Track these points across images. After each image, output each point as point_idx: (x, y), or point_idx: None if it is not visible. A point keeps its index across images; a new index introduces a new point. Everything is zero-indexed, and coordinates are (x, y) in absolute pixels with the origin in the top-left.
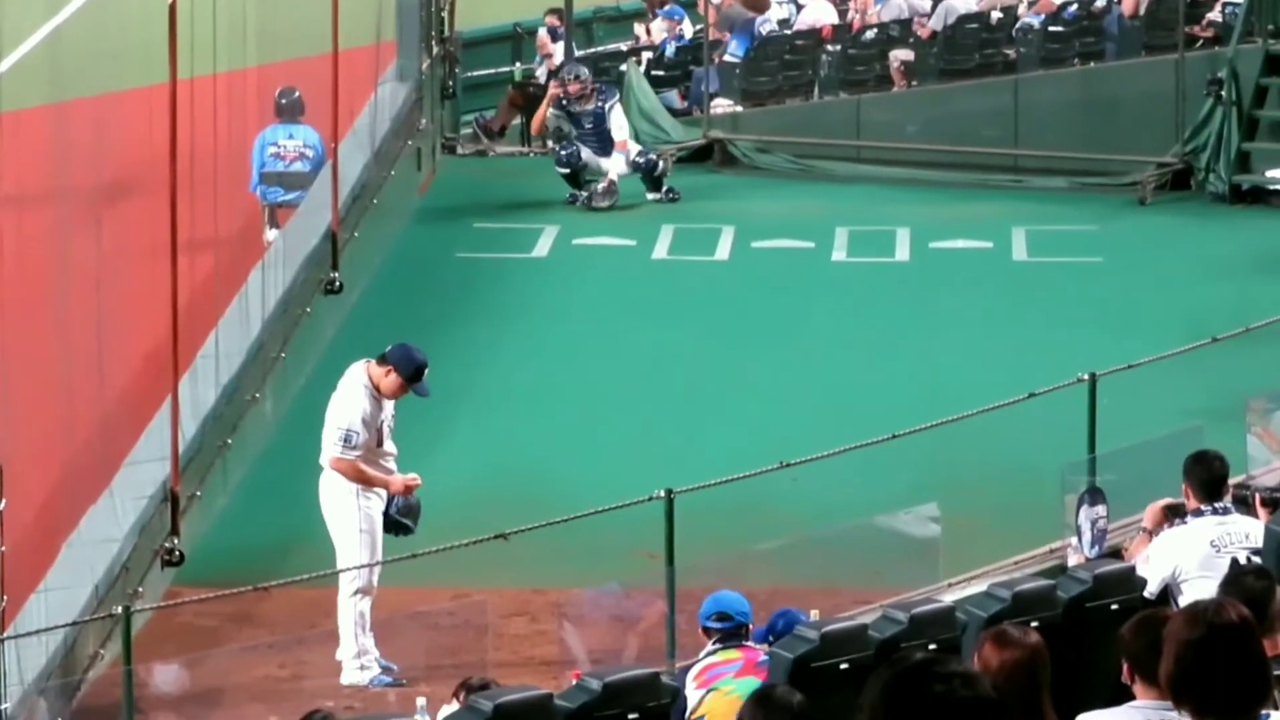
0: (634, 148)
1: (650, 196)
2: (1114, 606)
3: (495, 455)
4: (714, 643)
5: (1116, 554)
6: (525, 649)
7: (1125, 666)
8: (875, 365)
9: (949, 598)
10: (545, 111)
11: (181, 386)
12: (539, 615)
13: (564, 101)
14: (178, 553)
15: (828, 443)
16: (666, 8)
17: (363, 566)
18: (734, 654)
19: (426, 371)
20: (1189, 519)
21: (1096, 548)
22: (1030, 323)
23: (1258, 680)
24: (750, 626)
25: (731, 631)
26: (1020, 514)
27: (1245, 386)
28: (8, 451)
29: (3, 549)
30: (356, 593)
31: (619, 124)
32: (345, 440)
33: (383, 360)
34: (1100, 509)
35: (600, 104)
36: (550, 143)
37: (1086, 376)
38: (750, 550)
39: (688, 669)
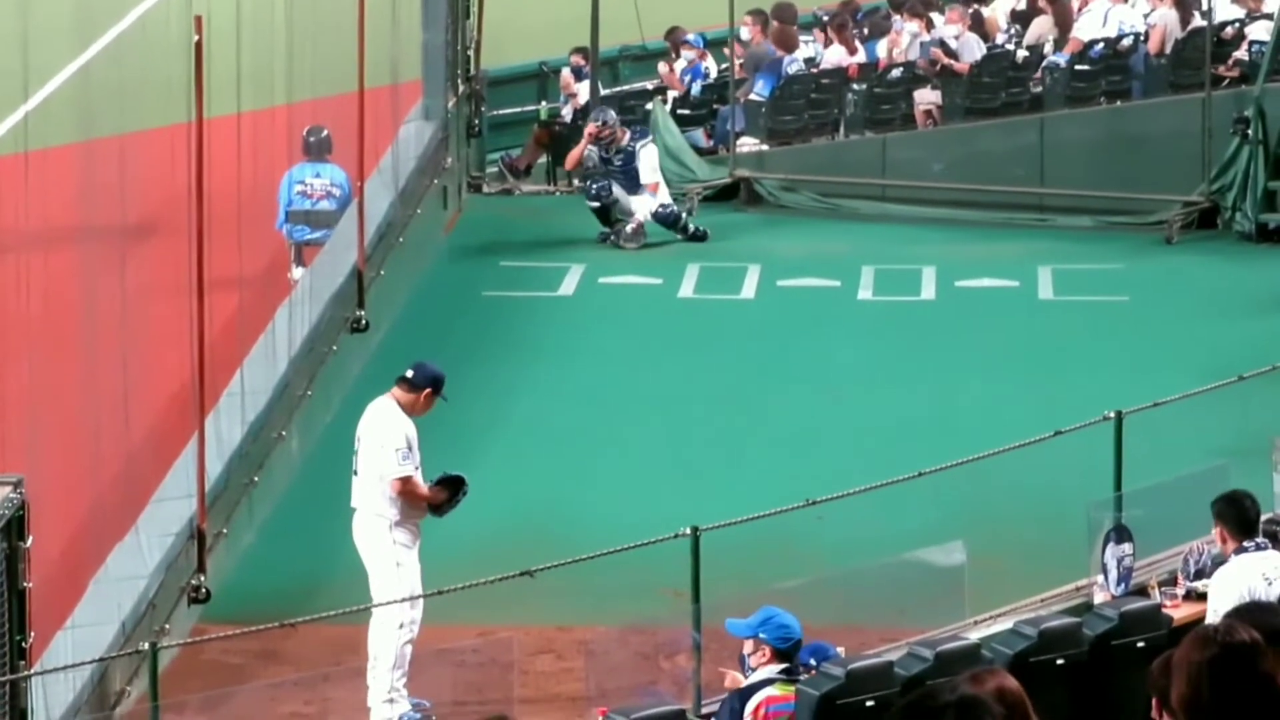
0: (664, 193)
1: (679, 237)
2: (1140, 644)
3: (521, 492)
4: (774, 665)
5: (1142, 592)
6: (551, 686)
7: (1154, 704)
8: (901, 403)
9: (975, 635)
10: (583, 149)
11: (208, 424)
12: (564, 652)
13: (599, 140)
14: (204, 590)
15: (853, 480)
16: (691, 36)
17: (394, 602)
18: (791, 690)
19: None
20: (1233, 557)
21: (1123, 585)
22: (1056, 361)
23: (1269, 701)
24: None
25: (788, 653)
26: (1046, 551)
27: (1271, 425)
28: (35, 488)
29: (30, 585)
30: (402, 626)
31: (649, 165)
32: (405, 457)
33: (411, 385)
34: (1126, 547)
35: (631, 145)
36: (578, 180)
37: (1112, 415)
38: (776, 588)
39: (750, 692)
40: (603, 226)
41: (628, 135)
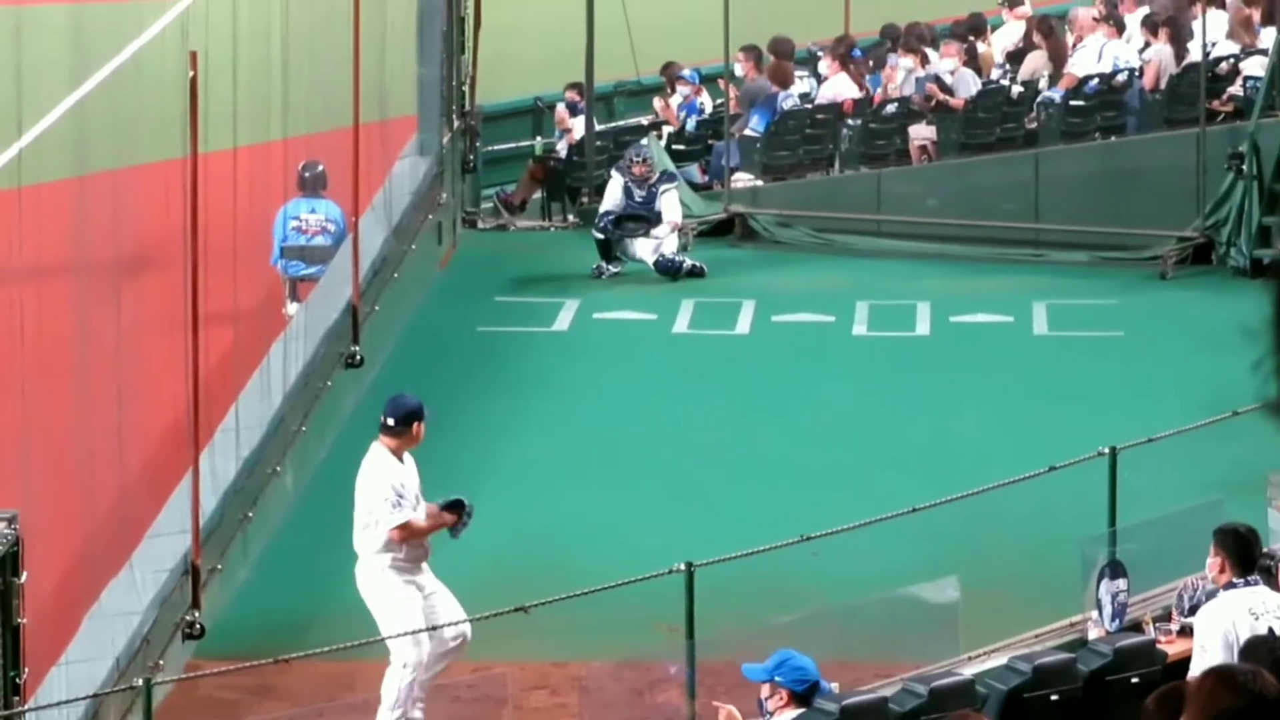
0: (671, 242)
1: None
2: (1134, 680)
3: (516, 528)
4: (790, 710)
5: (1137, 627)
6: None
7: None
8: (895, 439)
9: (969, 671)
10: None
11: (202, 459)
12: (559, 688)
13: (627, 177)
14: (198, 625)
15: (848, 516)
16: (686, 71)
17: (393, 636)
18: None
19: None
20: (1222, 592)
21: (1117, 621)
22: (1051, 396)
23: None
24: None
25: (806, 695)
26: (1040, 587)
27: (1266, 460)
28: (29, 523)
29: (24, 621)
30: (406, 667)
31: (671, 207)
32: (395, 505)
33: (396, 432)
34: (1121, 582)
35: (655, 188)
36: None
37: (1107, 450)
38: (770, 623)
39: None
40: (600, 259)
41: (656, 175)
